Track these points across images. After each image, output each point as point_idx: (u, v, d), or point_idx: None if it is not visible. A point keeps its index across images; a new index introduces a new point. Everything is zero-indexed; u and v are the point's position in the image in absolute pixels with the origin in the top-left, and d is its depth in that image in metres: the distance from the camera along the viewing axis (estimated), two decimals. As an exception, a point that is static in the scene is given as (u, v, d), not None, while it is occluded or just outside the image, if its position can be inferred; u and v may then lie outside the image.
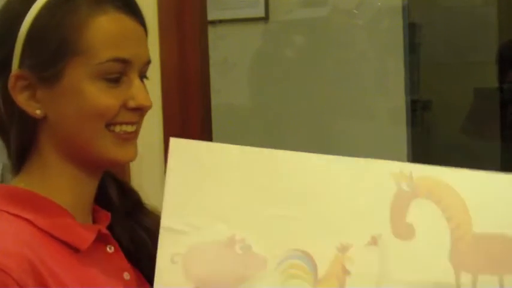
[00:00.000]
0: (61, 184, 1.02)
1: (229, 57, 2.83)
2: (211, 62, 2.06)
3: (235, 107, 2.85)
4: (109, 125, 1.00)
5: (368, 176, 1.09)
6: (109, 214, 1.08)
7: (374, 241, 1.06)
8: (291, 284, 1.06)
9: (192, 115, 2.05)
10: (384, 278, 1.07)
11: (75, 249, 1.00)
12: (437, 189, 1.08)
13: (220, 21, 2.79)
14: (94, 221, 1.07)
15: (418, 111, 3.04)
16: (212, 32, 2.17)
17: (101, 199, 1.10)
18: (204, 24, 2.06)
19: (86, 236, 1.01)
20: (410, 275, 1.06)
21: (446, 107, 3.24)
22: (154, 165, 2.00)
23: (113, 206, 1.11)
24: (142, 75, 1.05)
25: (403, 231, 1.07)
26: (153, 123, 2.00)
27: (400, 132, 2.70)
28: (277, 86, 2.82)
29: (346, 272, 1.06)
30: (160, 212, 1.07)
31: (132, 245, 1.10)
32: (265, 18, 2.83)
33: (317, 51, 2.80)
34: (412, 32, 2.86)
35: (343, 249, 1.06)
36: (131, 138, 1.04)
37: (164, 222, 1.05)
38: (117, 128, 1.01)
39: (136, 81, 1.02)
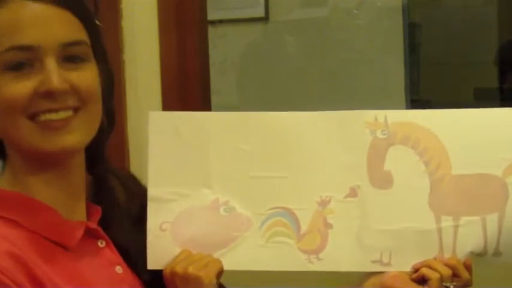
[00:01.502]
0: (32, 181, 1.00)
1: (229, 57, 2.83)
2: (211, 62, 2.06)
3: (235, 107, 2.85)
4: (32, 115, 0.96)
5: (344, 128, 1.10)
6: (99, 208, 1.06)
7: (353, 193, 1.08)
8: (275, 241, 1.09)
9: (192, 115, 2.05)
10: (364, 228, 1.07)
11: (63, 247, 0.99)
12: (414, 133, 1.08)
13: (220, 21, 2.79)
14: (88, 218, 1.06)
15: (418, 111, 3.04)
16: (212, 32, 2.17)
17: (107, 201, 1.09)
18: (204, 24, 2.06)
19: (73, 233, 1.00)
20: (390, 224, 1.07)
21: (446, 107, 3.23)
22: (155, 165, 2.00)
23: (119, 208, 1.10)
24: (74, 57, 0.98)
25: (381, 180, 1.08)
26: (153, 123, 2.00)
27: (400, 132, 2.70)
28: (277, 85, 2.82)
29: (328, 226, 1.08)
30: None
31: (132, 247, 1.09)
32: (265, 18, 2.83)
33: (317, 51, 2.80)
34: (412, 32, 2.86)
35: (324, 203, 1.08)
36: (60, 126, 0.96)
37: (151, 192, 1.10)
38: (42, 117, 0.96)
39: (50, 65, 0.95)
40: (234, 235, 1.09)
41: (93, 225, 1.04)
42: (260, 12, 2.81)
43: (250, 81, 2.88)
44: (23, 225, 0.97)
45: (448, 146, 1.07)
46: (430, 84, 3.18)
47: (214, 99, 2.11)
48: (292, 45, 2.85)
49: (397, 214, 1.07)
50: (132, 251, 1.09)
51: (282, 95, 2.81)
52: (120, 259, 1.06)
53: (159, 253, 1.08)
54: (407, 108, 2.72)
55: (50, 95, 0.95)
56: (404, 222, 1.07)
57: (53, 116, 0.96)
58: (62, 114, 0.96)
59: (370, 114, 1.10)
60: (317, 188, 1.09)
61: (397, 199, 1.07)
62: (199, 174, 1.10)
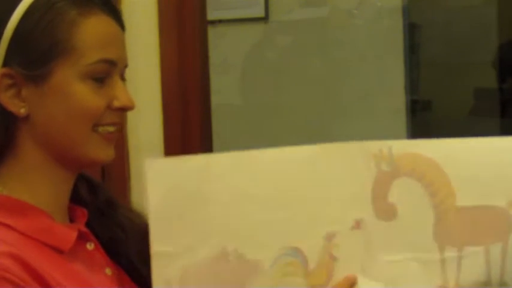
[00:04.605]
0: (39, 184, 1.01)
1: (229, 57, 2.83)
2: (210, 62, 2.06)
3: (235, 107, 2.85)
4: (95, 125, 1.00)
5: (348, 161, 1.08)
6: (85, 211, 1.07)
7: (357, 225, 1.07)
8: (285, 282, 1.07)
9: (192, 115, 2.05)
10: (368, 259, 1.07)
11: (58, 251, 0.99)
12: (419, 165, 1.07)
13: (220, 21, 2.79)
14: (71, 219, 1.07)
15: (418, 111, 3.04)
16: (212, 32, 2.17)
17: (72, 197, 1.09)
18: (204, 24, 2.06)
19: (67, 237, 1.01)
20: (394, 255, 1.07)
21: (446, 107, 3.24)
22: (154, 165, 2.00)
23: (85, 203, 1.10)
24: (123, 78, 1.05)
25: (385, 212, 1.07)
26: (153, 123, 2.00)
27: (400, 132, 2.70)
28: (277, 86, 2.82)
29: (333, 259, 1.07)
30: (133, 208, 1.11)
31: (110, 241, 1.10)
32: (265, 18, 2.83)
33: (317, 51, 2.80)
34: (412, 32, 2.86)
35: (329, 237, 1.07)
36: (112, 139, 1.03)
37: (154, 247, 1.04)
38: (101, 129, 1.01)
39: (120, 82, 1.03)
40: (244, 281, 1.06)
41: (84, 228, 1.05)
42: (260, 12, 2.81)
43: (250, 81, 2.88)
44: (16, 229, 0.97)
45: (453, 177, 1.06)
46: (430, 85, 3.18)
47: (214, 99, 2.11)
48: (292, 45, 2.86)
49: (401, 245, 1.07)
50: (113, 247, 1.09)
51: (282, 95, 2.81)
52: (108, 261, 1.07)
53: None
54: (407, 108, 2.73)
55: (121, 110, 1.02)
56: (408, 252, 1.07)
57: (111, 129, 1.02)
58: (114, 128, 1.03)
59: (374, 146, 1.07)
60: (323, 223, 1.07)
61: (401, 230, 1.07)
62: (204, 224, 1.05)
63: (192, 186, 1.06)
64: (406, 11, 2.74)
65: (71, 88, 0.98)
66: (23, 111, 0.99)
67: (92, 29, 0.99)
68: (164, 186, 1.05)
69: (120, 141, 1.09)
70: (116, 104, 1.02)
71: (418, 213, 1.07)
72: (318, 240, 1.07)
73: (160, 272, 1.04)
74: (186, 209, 1.05)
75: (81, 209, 1.07)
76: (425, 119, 3.22)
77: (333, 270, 1.07)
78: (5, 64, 0.98)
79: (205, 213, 1.06)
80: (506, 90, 3.12)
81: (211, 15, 2.12)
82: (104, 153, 1.02)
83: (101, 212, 1.12)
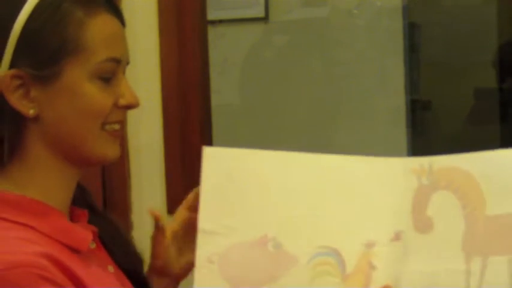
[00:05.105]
0: (50, 184, 1.02)
1: (229, 57, 2.83)
2: (211, 62, 2.06)
3: (235, 107, 2.85)
4: (103, 124, 1.01)
5: (389, 174, 1.13)
6: (85, 211, 1.08)
7: (397, 237, 1.10)
8: (321, 281, 1.11)
9: (192, 115, 2.05)
10: (402, 271, 1.09)
11: (75, 251, 1.00)
12: (455, 177, 1.10)
13: (220, 21, 2.78)
14: (71, 219, 1.07)
15: (418, 111, 3.04)
16: (212, 32, 2.17)
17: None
18: (204, 24, 2.06)
19: (84, 237, 1.02)
20: (426, 266, 1.09)
21: (446, 107, 3.24)
22: (154, 165, 2.00)
23: (78, 204, 1.11)
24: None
25: (423, 224, 1.10)
26: (153, 123, 2.00)
27: (400, 132, 2.70)
28: (277, 86, 2.82)
29: (372, 267, 1.09)
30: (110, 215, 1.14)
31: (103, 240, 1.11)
32: (265, 18, 2.83)
33: (317, 51, 2.80)
34: (412, 32, 2.86)
35: (370, 245, 1.10)
36: (118, 136, 1.05)
37: (201, 225, 1.12)
38: (108, 127, 1.02)
39: (125, 80, 1.04)
40: (280, 272, 1.11)
41: (95, 228, 1.05)
42: (260, 12, 2.81)
43: (250, 81, 2.88)
44: (38, 230, 0.97)
45: (484, 187, 1.08)
46: (430, 84, 3.18)
47: (214, 99, 2.11)
48: (292, 45, 2.85)
49: (433, 257, 1.09)
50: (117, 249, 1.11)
51: (282, 95, 2.81)
52: (109, 259, 1.08)
53: (206, 284, 1.11)
54: (407, 108, 2.73)
55: (127, 108, 1.04)
56: (438, 264, 1.09)
57: (116, 127, 1.03)
58: (119, 126, 1.04)
59: (415, 162, 1.12)
60: (364, 230, 1.11)
61: (435, 242, 1.09)
62: (250, 210, 1.13)
63: (243, 175, 1.15)
64: (406, 11, 2.74)
65: (81, 88, 0.99)
66: (32, 112, 0.99)
67: (99, 28, 1.00)
68: (217, 172, 1.14)
69: (120, 141, 1.10)
70: (122, 102, 1.03)
71: (451, 225, 1.09)
72: (357, 246, 1.10)
73: (204, 248, 1.12)
74: (233, 194, 1.14)
75: (80, 210, 1.08)
76: (425, 119, 3.22)
77: (371, 278, 1.09)
78: (12, 65, 0.98)
79: (251, 200, 1.14)
80: (506, 90, 3.12)
81: (211, 15, 2.12)
82: (111, 151, 1.04)
83: (93, 212, 1.12)
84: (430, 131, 3.22)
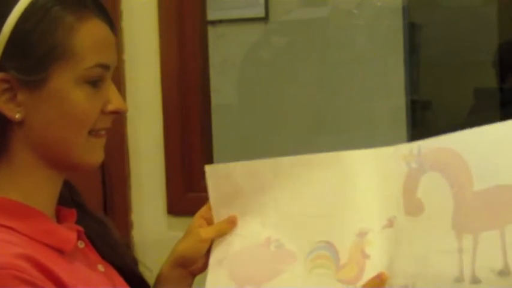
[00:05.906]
0: (34, 187, 1.01)
1: (229, 57, 2.82)
2: (211, 62, 2.06)
3: (235, 107, 2.85)
4: (90, 131, 1.02)
5: (381, 163, 1.16)
6: (74, 211, 1.09)
7: (390, 223, 1.13)
8: (316, 273, 1.17)
9: (192, 115, 2.05)
10: (395, 256, 1.11)
11: (59, 251, 1.00)
12: (442, 157, 1.11)
13: (220, 21, 2.78)
14: (58, 219, 1.07)
15: (418, 111, 3.04)
16: (212, 32, 2.17)
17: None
18: (204, 24, 2.06)
19: (68, 237, 1.02)
20: (417, 249, 1.09)
21: (446, 107, 3.24)
22: (154, 165, 2.00)
23: (66, 203, 1.11)
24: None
25: (414, 208, 1.11)
26: (153, 123, 2.00)
27: (400, 132, 2.70)
28: (277, 86, 2.82)
29: (366, 256, 1.13)
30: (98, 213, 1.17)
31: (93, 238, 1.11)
32: (265, 18, 2.83)
33: (317, 51, 2.80)
34: (412, 32, 2.86)
35: (362, 234, 1.14)
36: (104, 136, 1.06)
37: None
38: (93, 132, 1.03)
39: (112, 86, 1.04)
40: (281, 268, 1.20)
41: (81, 228, 1.06)
42: (260, 12, 2.81)
43: (250, 81, 2.88)
44: (19, 231, 0.97)
45: (471, 164, 1.08)
46: (430, 85, 3.18)
47: (214, 99, 2.11)
48: (292, 46, 2.85)
49: (424, 239, 1.09)
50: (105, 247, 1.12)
51: (282, 95, 2.80)
52: (99, 257, 1.09)
53: (216, 284, 1.23)
54: (407, 108, 2.72)
55: (114, 113, 1.04)
56: (429, 246, 1.08)
57: (102, 131, 1.04)
58: (104, 131, 1.05)
59: (405, 148, 1.15)
60: (357, 221, 1.15)
61: (426, 224, 1.10)
62: (255, 217, 1.25)
63: (247, 186, 1.27)
64: (406, 11, 2.74)
65: (68, 94, 0.99)
66: (18, 116, 0.98)
67: (89, 34, 1.00)
68: (223, 187, 1.28)
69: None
70: (110, 107, 1.03)
71: (440, 205, 1.09)
72: (350, 236, 1.15)
73: (216, 252, 1.26)
74: (239, 204, 1.27)
75: (68, 209, 1.08)
76: (425, 119, 3.22)
77: (364, 267, 1.12)
78: (0, 69, 0.98)
79: (257, 208, 1.26)
80: (507, 90, 3.12)
81: (211, 15, 2.12)
82: (96, 157, 1.05)
83: (82, 210, 1.13)
84: (430, 131, 3.21)
